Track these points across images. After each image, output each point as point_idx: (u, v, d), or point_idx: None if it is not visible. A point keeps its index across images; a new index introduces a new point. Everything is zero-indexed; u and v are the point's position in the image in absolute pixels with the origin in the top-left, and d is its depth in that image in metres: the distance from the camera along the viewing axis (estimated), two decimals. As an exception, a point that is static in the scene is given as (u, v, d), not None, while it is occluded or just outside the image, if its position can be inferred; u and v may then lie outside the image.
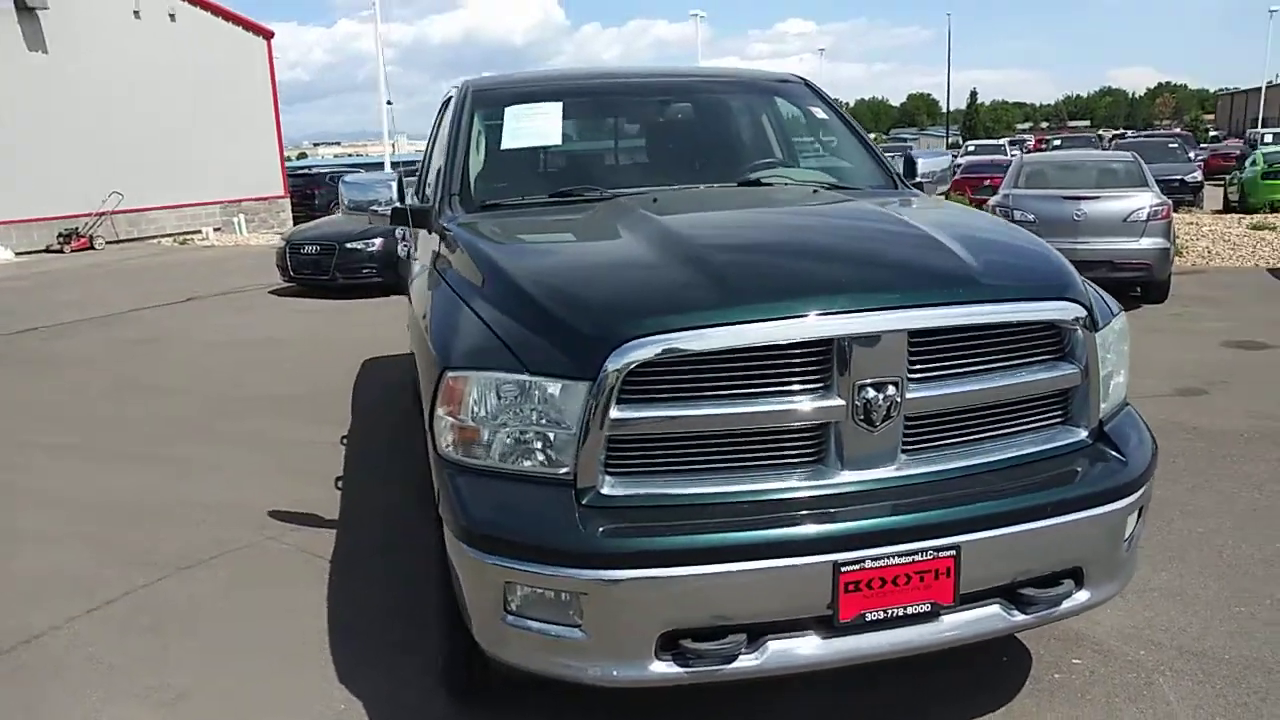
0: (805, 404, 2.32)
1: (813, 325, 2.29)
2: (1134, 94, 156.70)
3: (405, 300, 7.16)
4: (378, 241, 12.05)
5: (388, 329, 9.90)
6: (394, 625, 3.55)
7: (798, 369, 2.32)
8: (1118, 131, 70.89)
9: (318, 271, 12.18)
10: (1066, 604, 2.51)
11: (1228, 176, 23.62)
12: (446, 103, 5.06)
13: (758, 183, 3.67)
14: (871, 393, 2.33)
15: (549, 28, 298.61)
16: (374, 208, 3.67)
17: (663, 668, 2.29)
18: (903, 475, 2.42)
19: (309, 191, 27.91)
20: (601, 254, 2.82)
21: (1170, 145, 23.82)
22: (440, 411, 2.51)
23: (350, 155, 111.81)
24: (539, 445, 2.36)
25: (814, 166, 3.90)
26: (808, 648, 2.33)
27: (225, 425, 6.48)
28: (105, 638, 3.55)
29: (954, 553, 2.34)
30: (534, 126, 3.72)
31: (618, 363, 2.23)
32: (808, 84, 4.29)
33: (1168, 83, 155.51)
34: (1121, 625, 3.34)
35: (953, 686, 3.02)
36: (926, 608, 2.37)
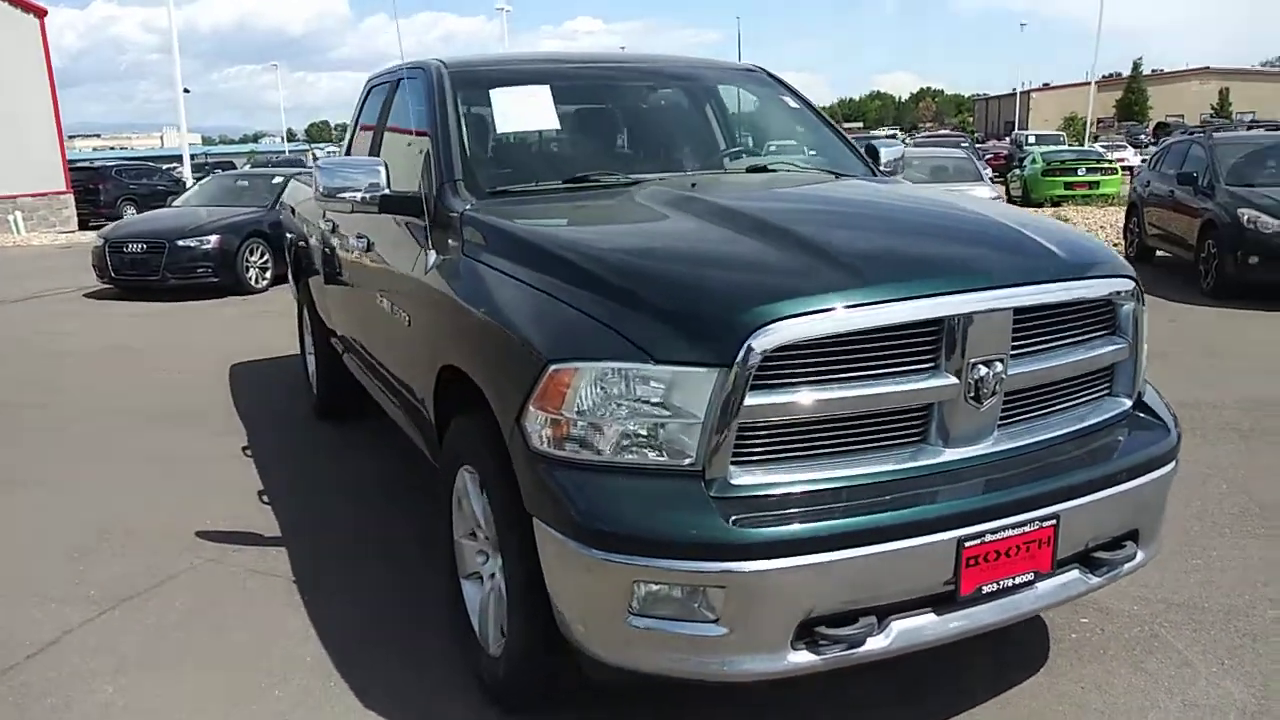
0: (923, 384, 2.35)
1: (937, 305, 2.32)
2: (900, 98, 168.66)
3: (287, 297, 6.72)
4: (213, 239, 11.20)
5: (243, 332, 9.26)
6: (391, 639, 3.32)
7: (915, 350, 2.35)
8: (890, 132, 76.09)
9: (145, 272, 11.16)
10: (1128, 565, 2.67)
11: (1008, 174, 25.81)
12: (374, 88, 4.78)
13: (765, 169, 3.69)
14: (982, 370, 2.39)
15: (331, 18, 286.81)
16: (354, 195, 3.38)
17: (799, 657, 2.26)
18: (998, 450, 2.50)
19: (92, 186, 25.51)
20: (696, 239, 2.71)
21: (961, 144, 25.74)
22: (534, 407, 2.36)
23: (114, 149, 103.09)
24: (662, 436, 2.26)
25: (794, 154, 3.94)
26: (928, 624, 2.37)
27: (112, 442, 5.83)
28: (60, 687, 3.11)
29: (1054, 522, 2.43)
30: (526, 110, 3.55)
31: (756, 347, 2.17)
32: (770, 74, 4.35)
33: (928, 88, 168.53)
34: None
35: (982, 652, 3.14)
36: (1030, 576, 2.45)
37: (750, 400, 2.20)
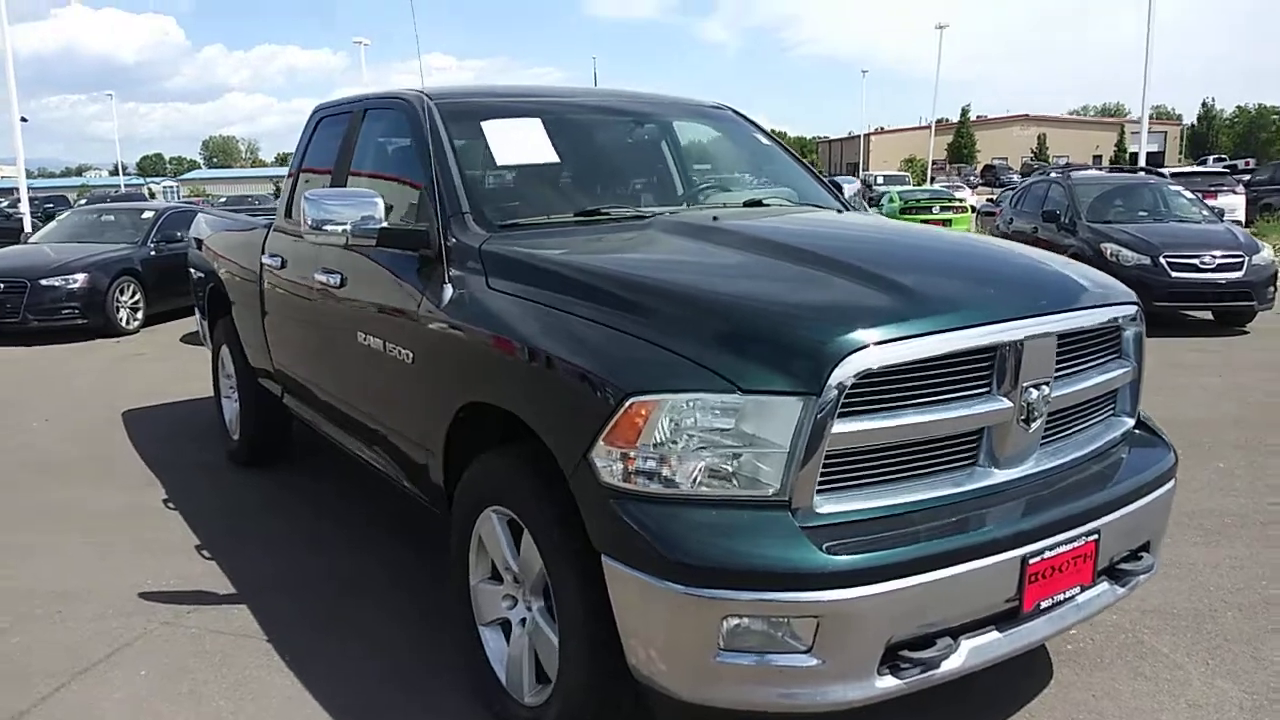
0: (983, 407, 2.43)
1: (1000, 330, 2.41)
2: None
3: (161, 339, 6.32)
4: (80, 277, 10.44)
5: (124, 376, 8.70)
6: (393, 695, 3.15)
7: (974, 376, 2.43)
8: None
9: (2, 314, 10.29)
10: (1144, 576, 2.82)
11: (865, 212, 27.03)
12: (325, 119, 4.61)
13: (760, 203, 3.74)
14: (1034, 393, 2.49)
15: (166, 47, 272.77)
16: (342, 228, 3.23)
17: (885, 682, 2.28)
18: (1040, 470, 2.60)
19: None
20: (755, 270, 2.72)
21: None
22: (604, 441, 2.31)
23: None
24: (745, 467, 2.25)
25: (775, 188, 4.01)
26: (994, 642, 2.43)
27: (14, 499, 5.32)
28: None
29: (1096, 536, 2.56)
30: (522, 143, 3.50)
31: (844, 374, 2.20)
32: (737, 112, 4.44)
33: (775, 130, 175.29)
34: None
35: (991, 673, 3.23)
36: (1076, 590, 2.56)
37: (840, 427, 2.22)
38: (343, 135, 4.25)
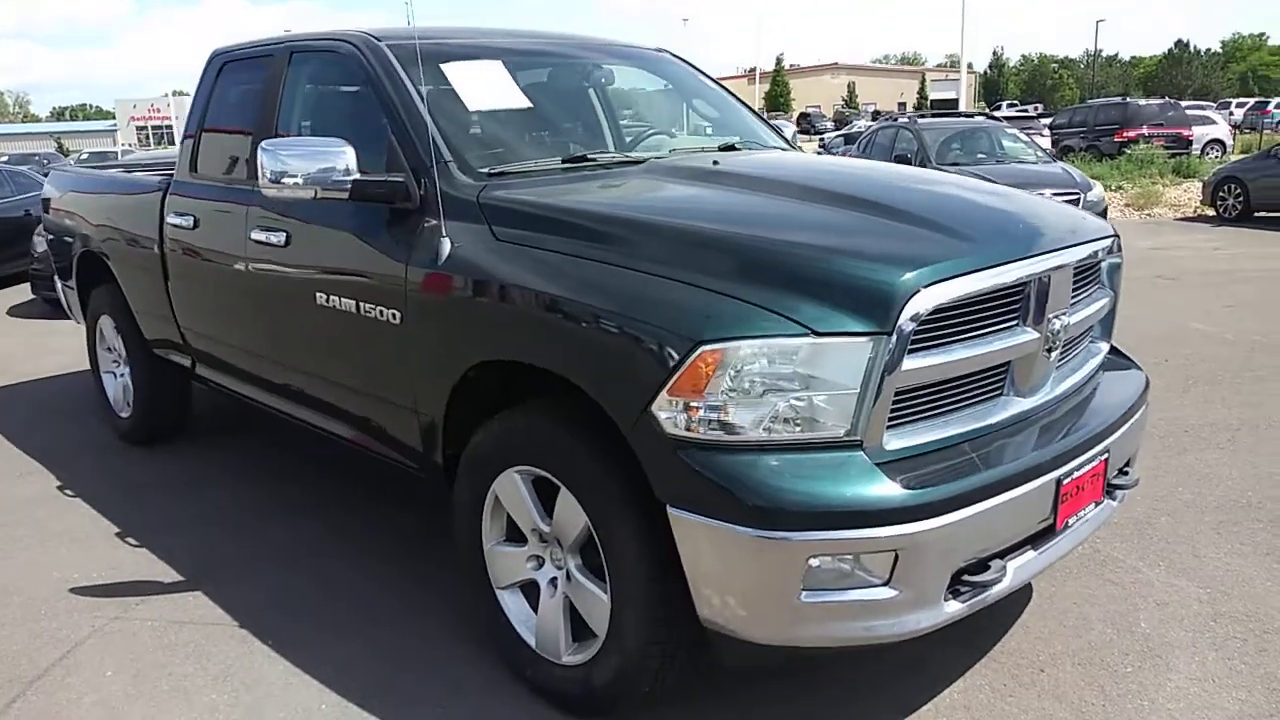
0: (1017, 339, 2.53)
1: (1034, 264, 2.52)
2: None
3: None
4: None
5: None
6: (404, 666, 3.03)
7: (1010, 309, 2.52)
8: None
9: None
10: (1132, 488, 3.04)
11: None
12: (230, 65, 4.24)
13: (734, 147, 3.71)
14: (1056, 323, 2.62)
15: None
16: (301, 180, 2.98)
17: (951, 607, 2.37)
18: (1054, 396, 2.74)
19: None
20: (797, 212, 2.68)
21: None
22: (669, 392, 2.27)
23: None
24: (816, 409, 2.25)
25: (732, 132, 3.98)
26: (1031, 560, 2.56)
27: None
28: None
29: (1106, 455, 2.73)
30: (491, 88, 3.32)
31: (913, 311, 2.24)
32: (677, 56, 4.37)
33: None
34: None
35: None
36: (1091, 506, 2.74)
37: (910, 364, 2.27)
38: (262, 84, 3.91)
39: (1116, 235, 3.09)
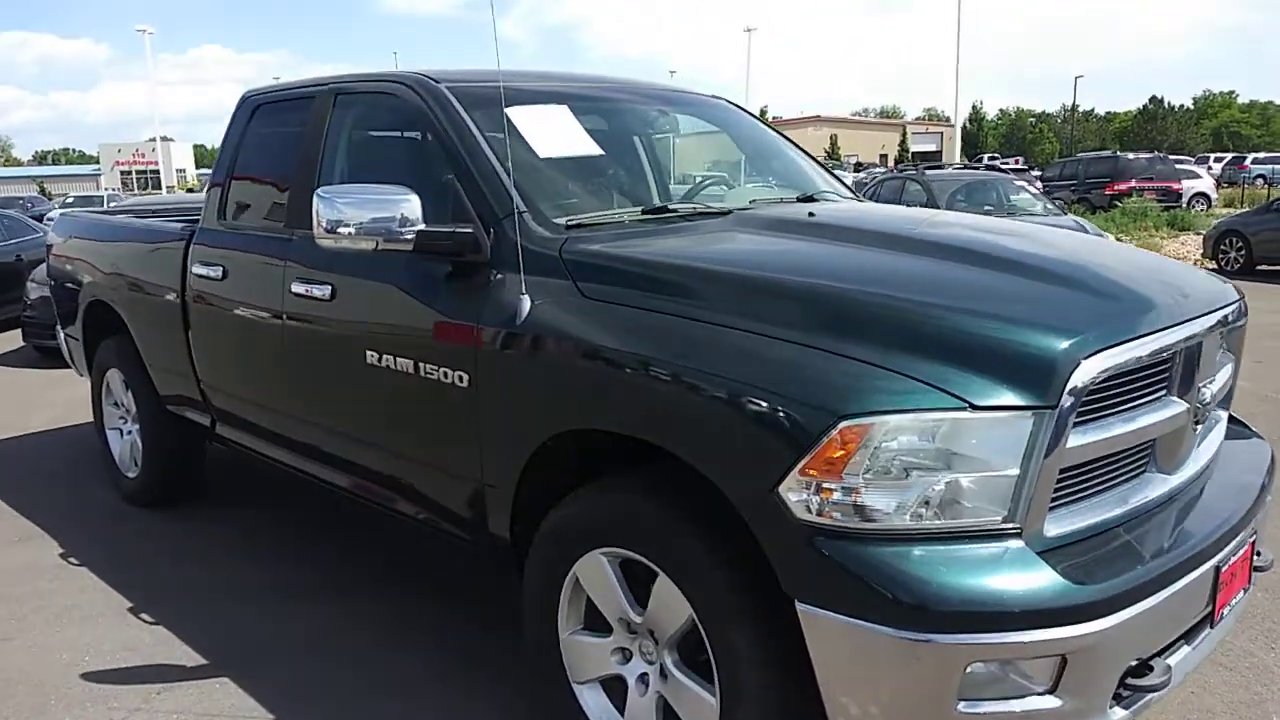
0: (1168, 411, 2.29)
1: (1191, 329, 2.30)
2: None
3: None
4: None
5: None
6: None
7: (1157, 379, 2.29)
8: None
9: None
10: (1267, 570, 2.78)
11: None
12: (262, 108, 4.01)
13: (813, 198, 3.48)
14: (1204, 392, 2.39)
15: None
16: (364, 230, 2.74)
17: (1116, 715, 2.10)
18: (1195, 471, 2.50)
19: None
20: (928, 271, 2.45)
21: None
22: (800, 472, 2.01)
23: None
24: (974, 493, 2.00)
25: (805, 182, 3.76)
26: (1188, 656, 2.29)
27: None
28: None
29: (1254, 535, 2.48)
30: (559, 134, 3.09)
31: (1079, 382, 2.00)
32: (733, 103, 4.18)
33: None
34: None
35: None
36: (1241, 593, 2.48)
37: (1075, 440, 2.02)
38: (301, 128, 3.67)
39: (1243, 297, 2.87)
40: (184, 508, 4.92)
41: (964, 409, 1.97)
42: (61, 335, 5.69)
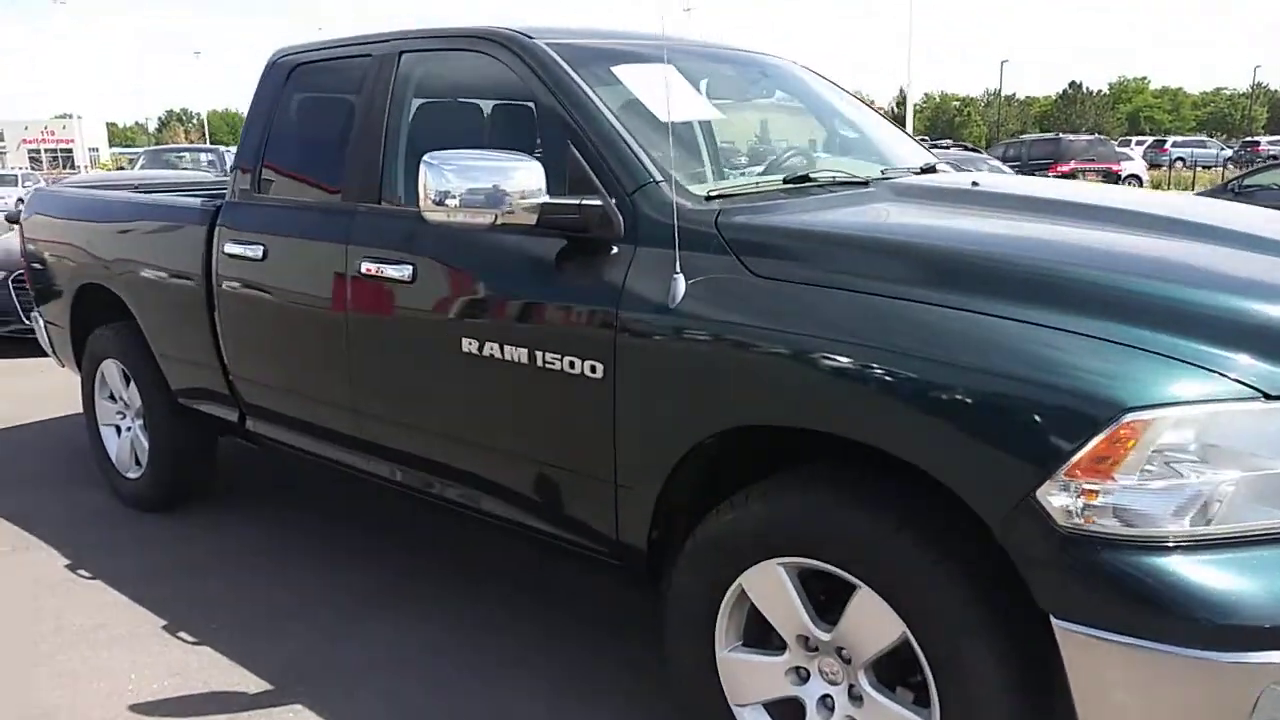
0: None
1: None
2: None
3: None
4: None
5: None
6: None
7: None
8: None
9: None
10: None
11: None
12: (300, 68, 3.62)
13: (933, 169, 3.23)
14: None
15: None
16: (482, 202, 2.41)
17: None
18: None
19: None
20: (1176, 247, 2.21)
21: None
22: (1066, 474, 1.77)
23: None
24: (1262, 492, 1.78)
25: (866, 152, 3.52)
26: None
27: None
28: None
29: None
30: (676, 96, 2.78)
31: (1378, 365, 1.80)
32: (809, 67, 3.90)
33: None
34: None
35: None
36: None
37: (1367, 433, 1.82)
38: (358, 90, 3.29)
39: None
40: (183, 510, 4.49)
41: (1256, 399, 1.75)
42: (39, 321, 5.18)
